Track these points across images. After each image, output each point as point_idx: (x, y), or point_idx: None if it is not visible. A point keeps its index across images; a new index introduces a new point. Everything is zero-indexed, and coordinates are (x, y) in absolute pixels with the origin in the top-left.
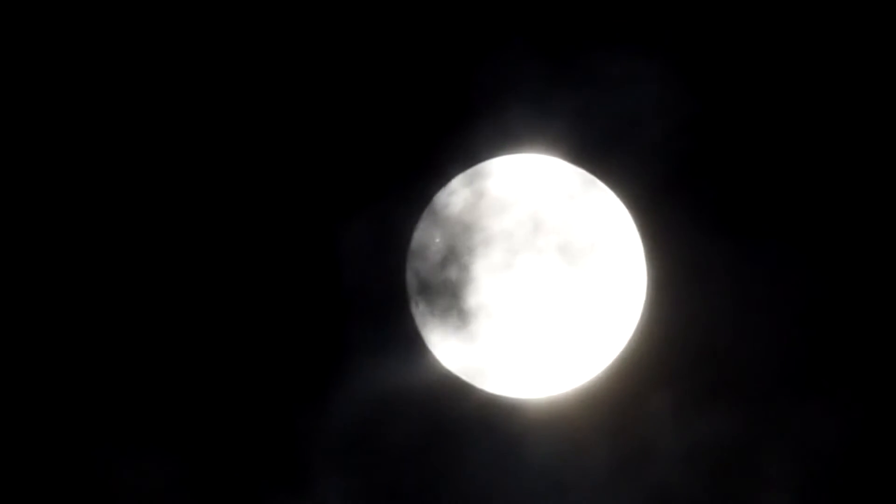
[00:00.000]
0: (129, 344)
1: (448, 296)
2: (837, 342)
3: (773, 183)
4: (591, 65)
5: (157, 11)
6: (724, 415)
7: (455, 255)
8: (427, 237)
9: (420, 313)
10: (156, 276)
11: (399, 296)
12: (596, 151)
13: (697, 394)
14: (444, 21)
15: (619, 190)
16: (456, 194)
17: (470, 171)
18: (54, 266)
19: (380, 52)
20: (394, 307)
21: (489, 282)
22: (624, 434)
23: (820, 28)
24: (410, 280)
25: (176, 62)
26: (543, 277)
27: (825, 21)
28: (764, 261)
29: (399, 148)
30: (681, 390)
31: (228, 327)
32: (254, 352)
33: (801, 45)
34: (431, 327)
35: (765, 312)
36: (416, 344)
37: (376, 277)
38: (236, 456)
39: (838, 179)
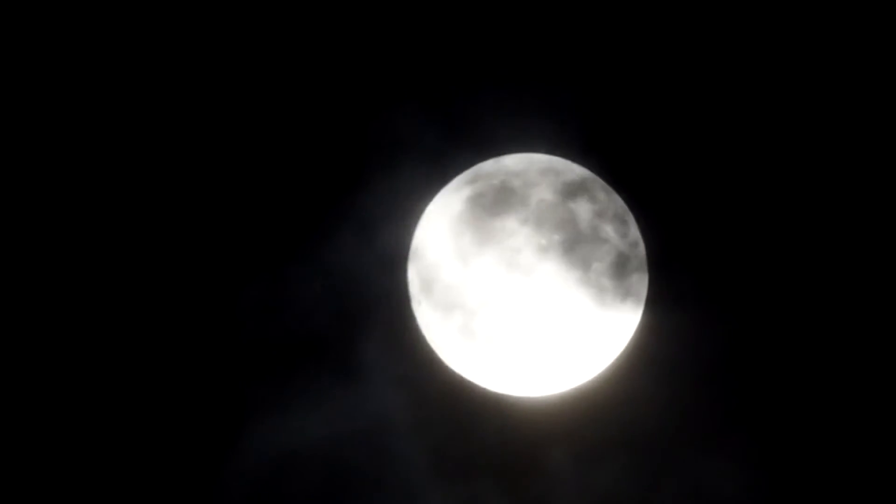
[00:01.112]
0: (14, 409)
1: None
2: (739, 397)
3: (676, 237)
4: (484, 126)
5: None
6: (625, 468)
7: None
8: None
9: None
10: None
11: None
12: (488, 212)
13: (598, 447)
14: (337, 82)
15: (508, 253)
16: (349, 254)
17: (363, 232)
18: None
19: (270, 114)
20: (292, 359)
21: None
22: (519, 489)
23: (716, 87)
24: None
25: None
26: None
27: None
28: (665, 317)
29: (293, 207)
30: (581, 443)
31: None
32: (155, 408)
33: (694, 98)
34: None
35: (665, 366)
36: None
37: (275, 333)
38: None
39: (744, 234)
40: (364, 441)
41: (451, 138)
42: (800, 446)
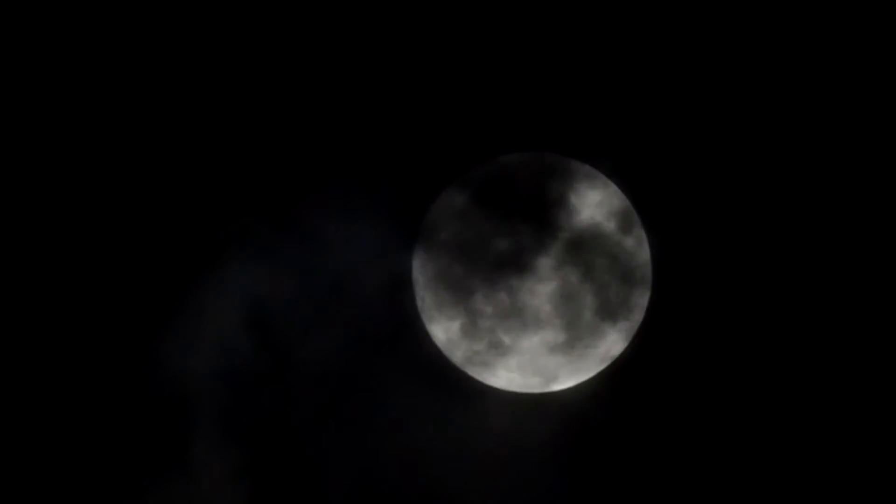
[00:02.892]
0: None
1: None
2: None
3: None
4: (313, 224)
5: None
6: None
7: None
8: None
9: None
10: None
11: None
12: (321, 305)
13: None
14: (172, 183)
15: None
16: (184, 353)
17: (198, 331)
18: None
19: (107, 219)
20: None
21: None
22: None
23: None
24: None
25: None
26: None
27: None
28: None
29: (127, 306)
30: None
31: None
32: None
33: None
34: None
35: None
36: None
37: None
38: None
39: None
40: None
41: (279, 242)
42: None
